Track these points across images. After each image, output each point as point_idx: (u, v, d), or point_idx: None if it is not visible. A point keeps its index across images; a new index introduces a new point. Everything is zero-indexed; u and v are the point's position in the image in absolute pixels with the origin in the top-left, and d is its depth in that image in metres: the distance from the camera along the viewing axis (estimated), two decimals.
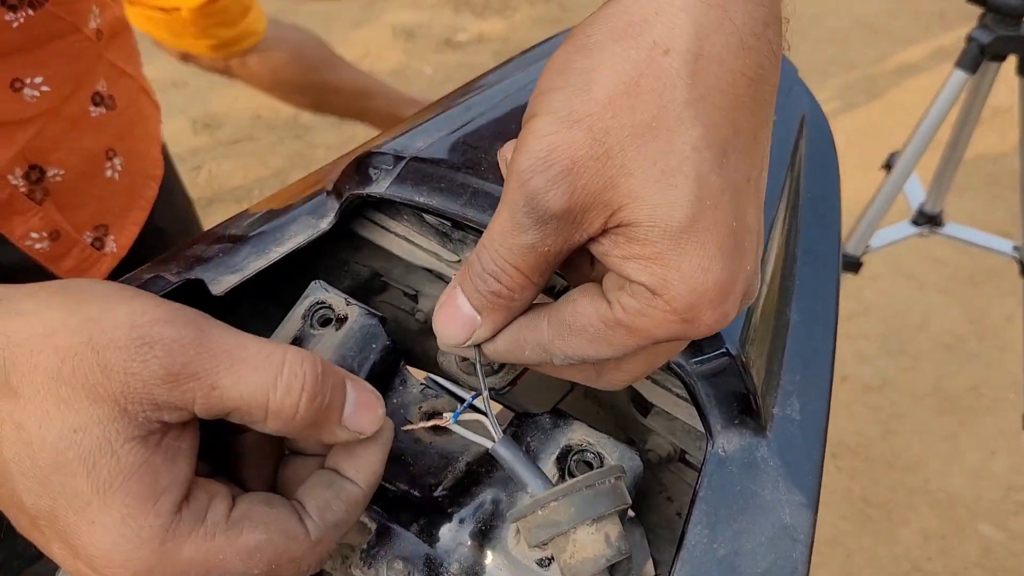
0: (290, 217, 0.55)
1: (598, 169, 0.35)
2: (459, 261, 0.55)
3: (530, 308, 0.41)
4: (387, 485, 0.48)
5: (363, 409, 0.41)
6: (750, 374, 0.46)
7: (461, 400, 0.48)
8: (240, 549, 0.37)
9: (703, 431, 0.48)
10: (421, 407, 0.52)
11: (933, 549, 1.98)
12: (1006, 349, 2.36)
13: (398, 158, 0.51)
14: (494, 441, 0.43)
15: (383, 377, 0.53)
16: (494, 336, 0.41)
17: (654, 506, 0.57)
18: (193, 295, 0.53)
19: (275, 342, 0.39)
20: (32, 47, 0.78)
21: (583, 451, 0.48)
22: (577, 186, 0.35)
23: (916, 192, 1.85)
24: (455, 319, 0.41)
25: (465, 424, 0.45)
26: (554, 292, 0.50)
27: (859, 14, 3.85)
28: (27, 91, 0.79)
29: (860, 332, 2.44)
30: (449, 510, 0.47)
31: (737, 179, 0.36)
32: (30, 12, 0.76)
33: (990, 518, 2.03)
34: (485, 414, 0.43)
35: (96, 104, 0.87)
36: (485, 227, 0.48)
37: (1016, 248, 1.90)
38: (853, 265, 1.85)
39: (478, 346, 0.42)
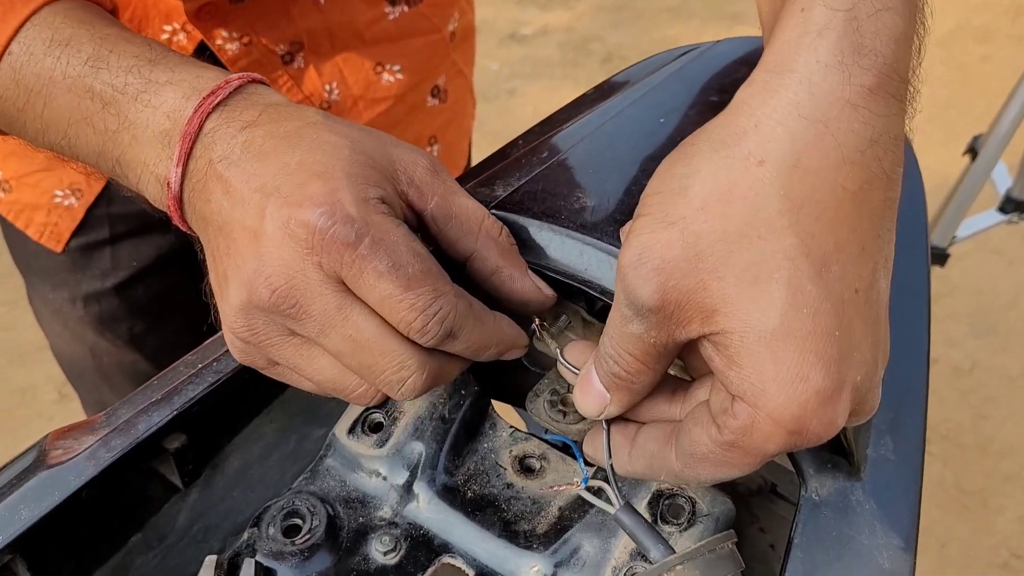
0: None
1: (688, 270, 0.36)
2: None
3: (658, 433, 0.43)
4: (483, 533, 0.49)
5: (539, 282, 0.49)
6: None
7: (574, 457, 0.50)
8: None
9: (791, 468, 0.48)
10: (511, 451, 0.53)
11: None
12: None
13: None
14: (616, 508, 0.44)
15: (474, 422, 0.54)
16: (639, 404, 0.44)
17: (747, 538, 0.57)
18: None
19: None
20: (398, 39, 0.91)
21: (674, 496, 0.48)
22: (668, 285, 0.36)
23: (1003, 177, 1.79)
24: (590, 393, 0.43)
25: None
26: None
27: None
28: (385, 76, 0.92)
29: (947, 313, 2.38)
30: (545, 555, 0.48)
31: (841, 289, 0.36)
32: (405, 9, 0.90)
33: None
34: (605, 480, 0.45)
35: (433, 96, 0.99)
36: (566, 277, 0.49)
37: None
38: (940, 257, 1.80)
39: (608, 421, 0.45)
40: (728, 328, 0.36)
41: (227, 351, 0.54)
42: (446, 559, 0.49)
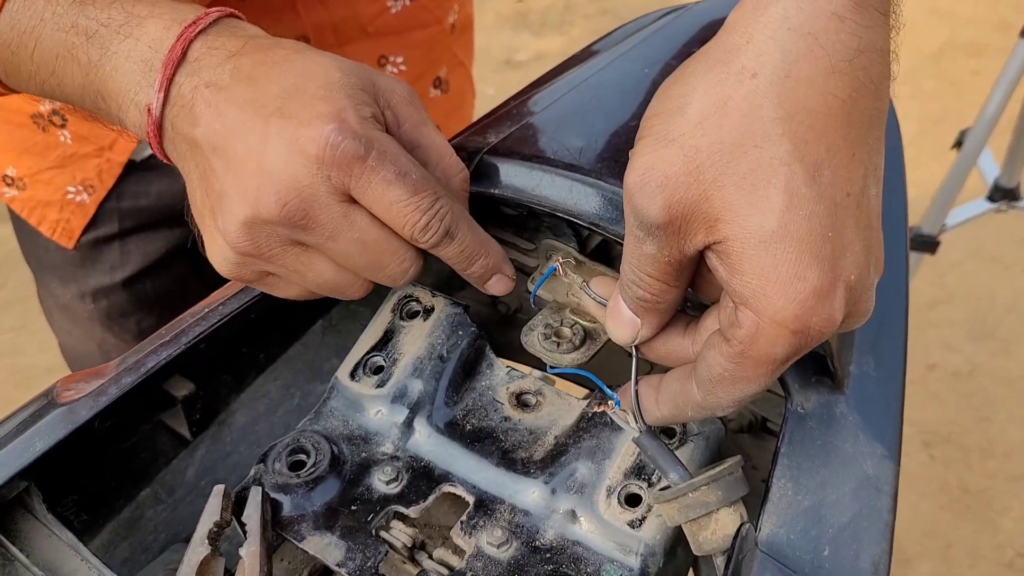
0: None
1: (691, 183, 0.38)
2: (535, 249, 0.58)
3: (679, 373, 0.45)
4: (481, 461, 0.51)
5: None
6: None
7: (595, 389, 0.51)
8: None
9: (782, 395, 0.50)
10: (508, 388, 0.55)
11: None
12: None
13: (472, 152, 0.54)
14: (639, 432, 0.46)
15: (472, 362, 0.56)
16: (653, 338, 0.46)
17: None
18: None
19: None
20: (400, 31, 0.94)
21: None
22: (673, 199, 0.38)
23: (990, 167, 1.81)
24: (620, 322, 0.45)
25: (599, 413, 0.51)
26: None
27: None
28: (388, 67, 0.95)
29: (945, 319, 2.39)
30: (541, 480, 0.50)
31: (834, 193, 0.38)
32: (407, 2, 0.93)
33: None
34: (622, 403, 0.48)
35: (435, 87, 1.02)
36: (558, 212, 0.51)
37: None
38: (930, 245, 1.81)
39: (636, 347, 0.46)
40: (730, 235, 0.38)
41: (232, 296, 0.56)
42: (447, 487, 0.51)
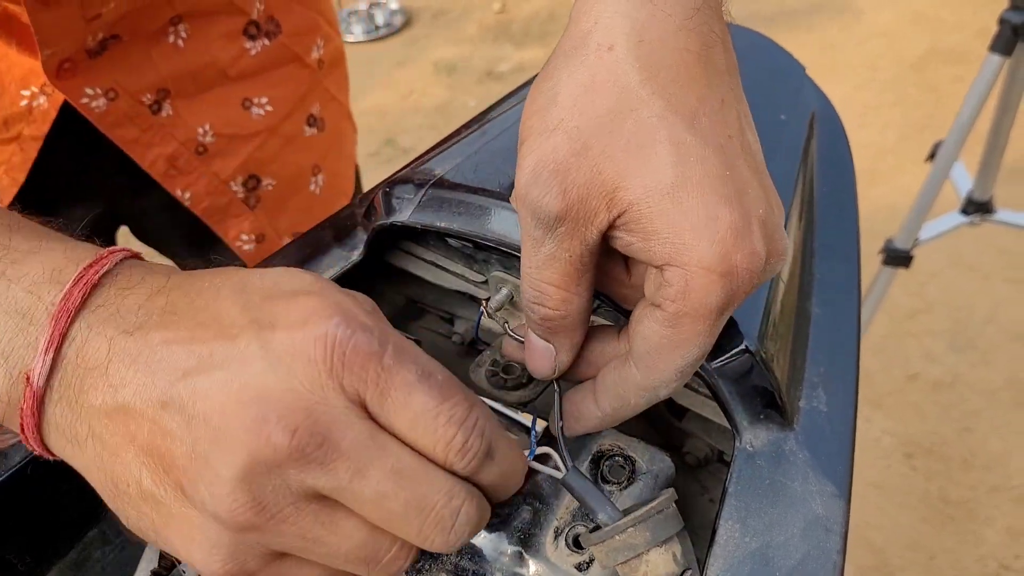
0: (322, 251, 0.58)
1: (582, 162, 0.38)
2: (485, 281, 0.57)
3: (614, 363, 0.43)
4: None
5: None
6: (771, 369, 0.47)
7: (520, 426, 0.50)
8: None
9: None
10: None
11: (1021, 546, 1.92)
12: None
13: (419, 185, 0.53)
14: (564, 472, 0.44)
15: None
16: (573, 360, 0.44)
17: (696, 508, 0.58)
18: None
19: None
20: (262, 72, 0.92)
21: (614, 455, 0.49)
22: (568, 182, 0.38)
23: (964, 181, 1.81)
24: (535, 355, 0.44)
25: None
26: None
27: (905, 6, 3.80)
28: (254, 109, 0.93)
29: (925, 329, 2.39)
30: (489, 522, 0.49)
31: (716, 136, 0.38)
32: (266, 42, 0.91)
33: None
34: (554, 441, 0.46)
35: (310, 125, 1.00)
36: (505, 244, 0.50)
37: None
38: (904, 259, 1.81)
39: (557, 380, 0.45)
40: (633, 199, 0.38)
41: None
42: None
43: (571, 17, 0.41)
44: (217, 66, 0.88)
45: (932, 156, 1.72)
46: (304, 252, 0.59)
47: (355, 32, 4.25)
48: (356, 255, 0.57)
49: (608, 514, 0.43)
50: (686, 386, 0.54)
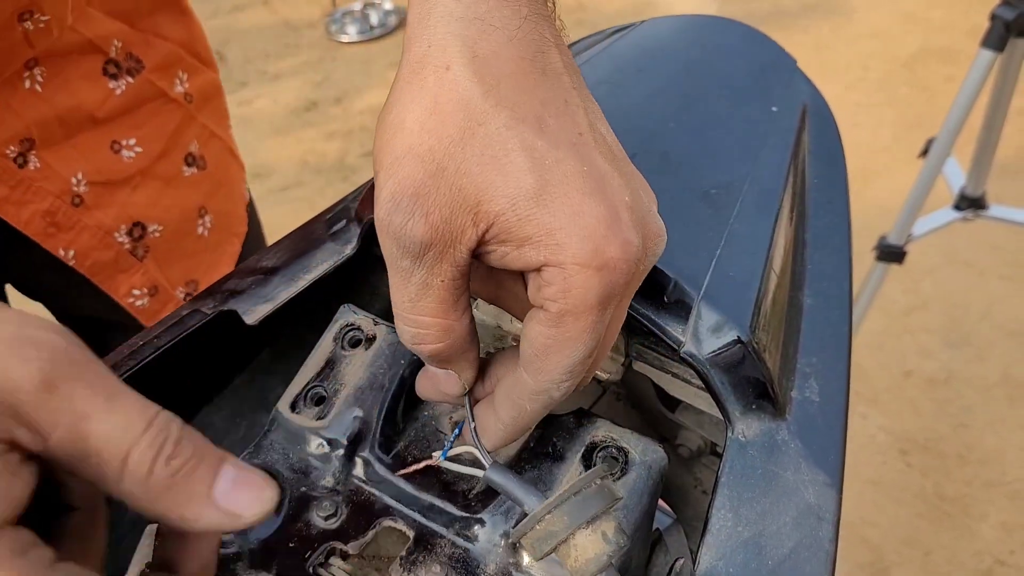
0: (316, 245, 0.58)
1: (439, 183, 0.38)
2: None
3: (508, 374, 0.45)
4: (421, 495, 0.50)
5: (244, 487, 0.35)
6: (763, 359, 0.47)
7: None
8: None
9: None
10: (451, 417, 0.54)
11: (1016, 542, 1.92)
12: None
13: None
14: (485, 469, 0.45)
15: (413, 391, 0.55)
16: (477, 370, 0.46)
17: (690, 500, 0.58)
18: (228, 326, 0.56)
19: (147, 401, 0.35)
20: (128, 111, 0.87)
21: (607, 447, 0.49)
22: (429, 205, 0.38)
23: (957, 176, 1.82)
24: (441, 383, 0.46)
25: (458, 458, 0.49)
26: None
27: (896, 6, 3.81)
28: (124, 152, 0.87)
29: (920, 326, 2.40)
30: (481, 515, 0.49)
31: (567, 137, 0.39)
32: (130, 80, 0.86)
33: None
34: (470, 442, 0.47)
35: (189, 164, 0.94)
36: None
37: None
38: (897, 255, 1.81)
39: (468, 392, 0.46)
40: (498, 210, 0.38)
41: (168, 326, 0.55)
42: (387, 522, 0.50)
43: (404, 46, 0.41)
44: (83, 109, 0.83)
45: (925, 152, 1.73)
46: (298, 247, 0.59)
47: (350, 32, 4.25)
48: (350, 249, 0.57)
49: (533, 502, 0.43)
50: (678, 377, 0.54)
